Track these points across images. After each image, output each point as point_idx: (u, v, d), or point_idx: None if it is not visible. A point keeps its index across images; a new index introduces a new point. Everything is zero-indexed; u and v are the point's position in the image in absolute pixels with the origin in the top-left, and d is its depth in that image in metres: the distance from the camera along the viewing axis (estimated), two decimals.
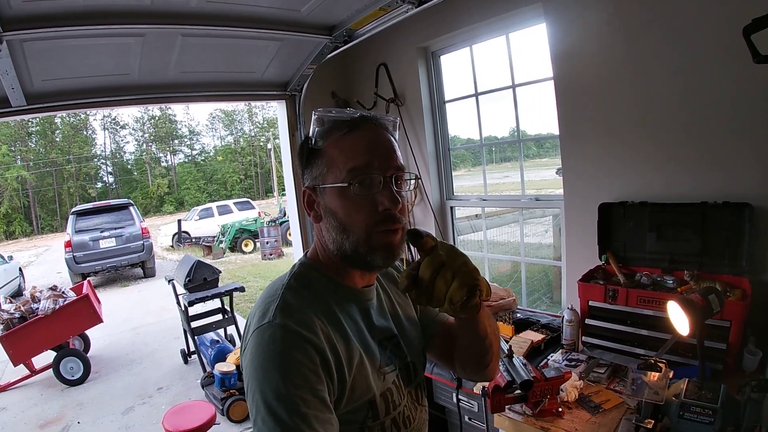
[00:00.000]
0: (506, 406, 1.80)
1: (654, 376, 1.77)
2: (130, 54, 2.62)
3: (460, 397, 2.28)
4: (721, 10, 2.08)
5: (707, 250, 2.22)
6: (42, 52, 2.41)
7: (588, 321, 2.35)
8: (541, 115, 3.23)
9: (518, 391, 1.72)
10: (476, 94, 3.43)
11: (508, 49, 3.09)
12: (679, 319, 1.75)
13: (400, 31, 3.46)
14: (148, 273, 11.88)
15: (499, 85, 3.26)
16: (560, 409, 1.84)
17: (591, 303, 2.33)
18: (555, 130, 2.86)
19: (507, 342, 2.33)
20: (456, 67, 3.58)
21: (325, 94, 4.09)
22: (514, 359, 1.77)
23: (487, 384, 1.77)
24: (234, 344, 5.57)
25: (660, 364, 1.79)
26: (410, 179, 1.03)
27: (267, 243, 13.25)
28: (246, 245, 14.90)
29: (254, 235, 14.72)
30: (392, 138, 1.03)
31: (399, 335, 1.12)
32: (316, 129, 1.00)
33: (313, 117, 1.01)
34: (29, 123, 32.99)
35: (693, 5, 2.17)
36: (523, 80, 3.11)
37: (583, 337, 2.37)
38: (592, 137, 2.65)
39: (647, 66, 2.37)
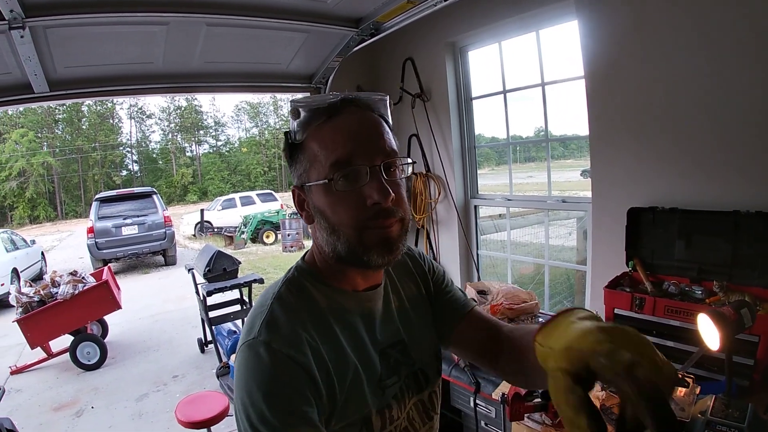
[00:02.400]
0: (525, 415, 1.74)
1: (681, 391, 1.69)
2: (154, 42, 2.61)
3: (477, 401, 2.22)
4: (755, 13, 1.99)
5: (737, 260, 2.12)
6: (65, 39, 2.40)
7: None
8: (568, 115, 3.16)
9: (538, 400, 1.66)
10: (504, 92, 3.35)
11: (538, 46, 3.02)
12: (709, 332, 1.67)
13: (427, 26, 3.40)
14: (169, 261, 12.01)
15: (528, 83, 3.18)
16: None
17: (617, 311, 2.25)
18: (581, 130, 2.78)
19: None
20: (484, 64, 3.51)
21: (351, 87, 4.03)
22: None
23: (506, 391, 1.71)
24: None
25: (687, 379, 1.71)
26: (404, 164, 0.91)
27: (288, 235, 13.31)
28: (267, 237, 14.96)
29: (276, 227, 14.76)
30: (381, 119, 0.91)
31: (406, 339, 1.02)
32: (294, 121, 0.89)
33: (290, 108, 0.90)
34: (56, 110, 33.76)
35: (726, 8, 2.09)
36: (552, 78, 3.03)
37: None
38: (623, 139, 2.57)
39: (681, 68, 2.28)
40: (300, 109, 0.88)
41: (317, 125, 0.87)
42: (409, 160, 0.94)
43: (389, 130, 0.92)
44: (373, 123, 0.89)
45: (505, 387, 2.09)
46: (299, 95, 3.86)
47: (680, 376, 1.72)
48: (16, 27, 2.05)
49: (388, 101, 0.95)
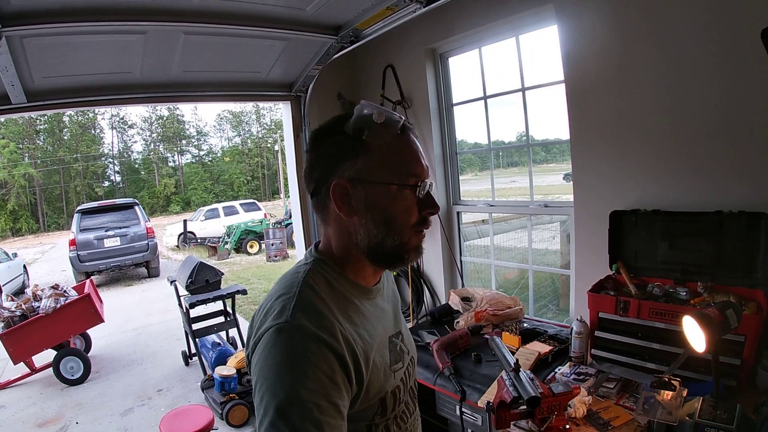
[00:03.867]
0: (511, 422, 1.73)
1: (667, 394, 1.69)
2: (131, 52, 2.58)
3: (463, 410, 2.20)
4: (745, 11, 2.00)
5: (721, 261, 2.13)
6: (42, 48, 2.37)
7: (598, 333, 2.26)
8: (549, 119, 3.18)
9: (524, 407, 1.65)
10: (485, 97, 3.36)
11: (518, 51, 3.03)
12: (694, 334, 1.67)
13: (407, 32, 3.40)
14: (153, 273, 11.85)
15: (508, 88, 3.19)
16: (568, 426, 1.75)
17: (601, 315, 2.24)
18: (563, 134, 2.79)
19: (513, 353, 2.26)
20: (464, 70, 3.52)
21: (331, 95, 4.03)
22: (520, 374, 1.69)
23: (492, 399, 1.69)
24: (235, 347, 5.50)
25: (674, 383, 1.71)
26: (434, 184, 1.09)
27: (272, 245, 13.23)
28: (251, 246, 14.88)
29: (260, 237, 14.69)
30: None
31: (401, 330, 1.15)
32: (372, 122, 0.95)
33: (363, 109, 0.96)
34: (37, 121, 33.40)
35: (704, 13, 2.12)
36: (532, 83, 3.04)
37: (593, 350, 2.28)
38: (604, 143, 2.58)
39: (662, 69, 2.29)
40: (383, 114, 0.95)
41: (393, 135, 0.97)
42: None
43: None
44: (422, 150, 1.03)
45: (490, 395, 2.08)
46: (280, 103, 3.85)
47: (667, 379, 1.71)
48: None
49: None
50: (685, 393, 1.71)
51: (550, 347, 2.40)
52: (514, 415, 1.66)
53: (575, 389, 1.73)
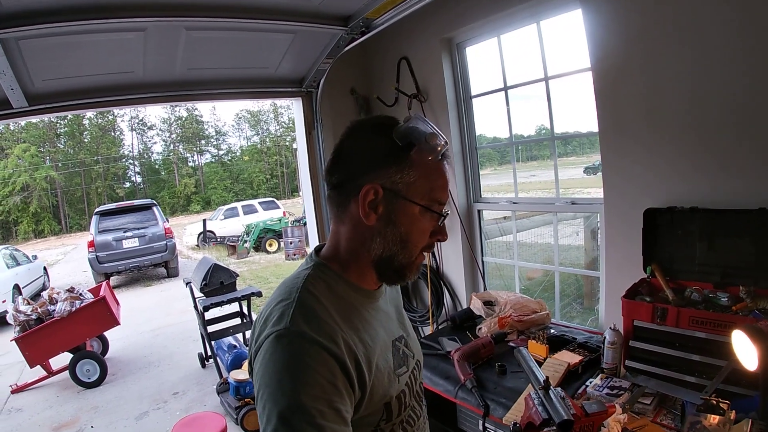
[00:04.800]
0: None
1: (715, 419, 1.52)
2: (132, 50, 2.49)
3: (486, 425, 2.05)
4: None
5: (765, 262, 1.95)
6: (40, 50, 2.31)
7: (632, 343, 2.09)
8: (571, 110, 2.99)
9: (554, 428, 1.49)
10: (505, 88, 3.18)
11: (539, 38, 2.84)
12: (745, 350, 1.50)
13: (421, 22, 3.24)
14: (172, 273, 11.87)
15: (530, 78, 3.01)
16: None
17: (636, 323, 2.07)
18: (584, 126, 2.61)
19: (540, 364, 2.10)
20: (483, 60, 3.34)
21: (344, 90, 3.90)
22: (550, 392, 1.53)
23: (517, 418, 1.54)
24: None
25: (722, 406, 1.54)
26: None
27: (291, 243, 13.15)
28: (270, 245, 14.83)
29: (278, 235, 14.62)
30: None
31: (404, 334, 1.13)
32: (426, 137, 0.95)
33: (418, 124, 0.97)
34: (57, 124, 34.06)
35: None
36: (555, 73, 2.86)
37: (626, 361, 2.11)
38: (636, 135, 2.39)
39: (701, 57, 2.10)
40: (436, 134, 0.97)
41: (435, 157, 0.96)
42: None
43: None
44: None
45: (516, 411, 1.92)
46: (288, 101, 3.72)
47: (714, 402, 1.54)
48: None
49: None
50: (733, 416, 1.53)
51: (581, 357, 2.23)
52: None
53: (610, 408, 1.57)
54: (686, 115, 2.19)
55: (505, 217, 3.75)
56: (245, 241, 14.73)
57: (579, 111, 2.86)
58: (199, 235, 16.94)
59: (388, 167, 0.94)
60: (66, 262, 18.00)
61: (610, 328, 2.12)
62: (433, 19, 3.23)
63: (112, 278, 10.29)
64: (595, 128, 2.56)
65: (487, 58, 3.28)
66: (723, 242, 2.08)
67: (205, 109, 41.63)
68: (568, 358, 2.23)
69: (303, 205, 16.38)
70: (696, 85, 2.14)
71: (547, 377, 1.63)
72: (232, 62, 2.91)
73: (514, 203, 3.31)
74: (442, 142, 0.97)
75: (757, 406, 1.57)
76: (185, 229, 18.48)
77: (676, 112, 2.23)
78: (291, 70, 3.22)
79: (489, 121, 3.55)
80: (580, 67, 2.63)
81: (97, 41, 2.36)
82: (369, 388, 0.91)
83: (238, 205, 18.84)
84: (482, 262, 3.58)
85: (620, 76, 2.40)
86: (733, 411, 1.55)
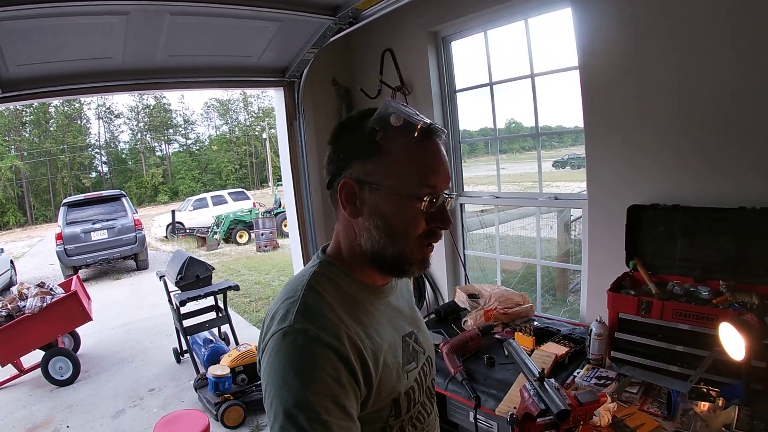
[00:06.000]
0: None
1: (705, 405, 1.58)
2: (113, 35, 2.39)
3: (478, 416, 2.07)
4: None
5: (743, 258, 2.04)
6: (15, 34, 2.20)
7: (618, 335, 2.15)
8: (548, 106, 3.02)
9: (550, 418, 1.52)
10: (491, 84, 3.19)
11: (527, 35, 2.86)
12: (732, 341, 1.56)
13: (407, 14, 3.22)
14: (141, 265, 11.58)
15: (514, 75, 3.03)
16: None
17: (622, 315, 2.13)
18: (560, 123, 2.64)
19: (528, 356, 2.12)
20: (467, 54, 3.34)
21: (326, 81, 3.85)
22: (545, 383, 1.56)
23: (512, 408, 1.56)
24: (228, 343, 5.37)
25: (712, 393, 1.60)
26: (452, 199, 1.00)
27: (262, 234, 12.98)
28: (241, 236, 14.61)
29: (249, 226, 14.43)
30: None
31: (415, 330, 1.11)
32: (390, 123, 0.90)
33: (387, 108, 0.92)
34: (23, 112, 32.72)
35: None
36: (541, 70, 2.88)
37: (612, 352, 2.17)
38: (619, 134, 2.45)
39: (680, 58, 2.17)
40: (402, 117, 0.91)
41: (412, 140, 0.91)
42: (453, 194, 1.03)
43: None
44: (446, 158, 0.96)
45: (507, 402, 1.95)
46: (270, 90, 3.66)
47: (705, 390, 1.60)
48: None
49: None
50: (721, 403, 1.59)
51: (567, 349, 2.28)
52: (538, 426, 1.53)
53: (602, 397, 1.61)
54: (672, 115, 2.25)
55: (482, 211, 3.78)
56: (215, 233, 14.43)
57: (557, 108, 2.91)
58: (168, 226, 16.54)
59: (360, 159, 0.93)
60: (32, 255, 17.34)
61: (597, 320, 2.17)
62: (419, 13, 3.21)
63: (80, 271, 9.95)
64: (572, 124, 2.59)
65: (471, 53, 3.29)
66: (703, 239, 2.16)
67: (173, 97, 40.59)
68: (554, 349, 2.28)
69: (279, 194, 16.14)
70: (677, 88, 2.21)
71: (543, 369, 1.65)
72: (215, 50, 2.83)
73: (497, 197, 3.34)
74: (414, 121, 0.91)
75: (741, 393, 1.65)
76: (153, 221, 18.00)
77: (663, 111, 2.28)
78: (274, 59, 3.16)
79: (470, 114, 3.57)
80: (566, 65, 2.67)
81: (78, 25, 2.26)
82: (376, 384, 0.90)
83: (208, 195, 18.46)
84: (464, 255, 3.60)
85: (608, 74, 2.43)
86: (722, 398, 1.61)
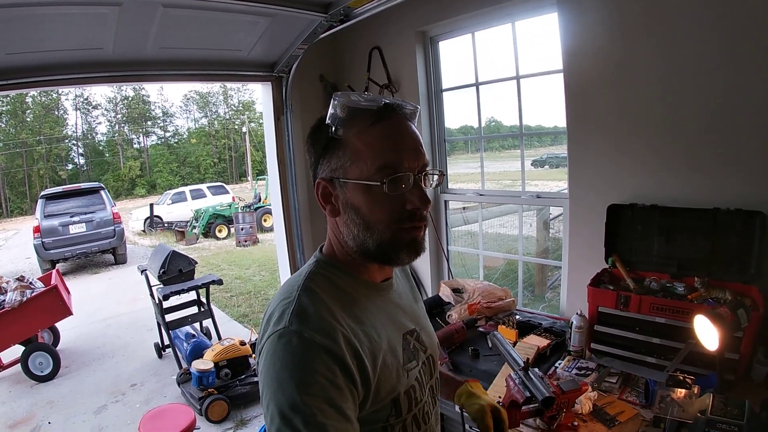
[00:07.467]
0: (520, 421, 1.67)
1: (681, 392, 1.67)
2: (104, 26, 2.38)
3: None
4: (746, 6, 1.98)
5: (717, 257, 2.14)
6: (4, 22, 2.16)
7: (597, 327, 2.24)
8: (532, 107, 3.09)
9: (535, 405, 1.59)
10: (477, 84, 3.25)
11: (513, 38, 2.92)
12: (706, 332, 1.66)
13: (396, 14, 3.24)
14: (120, 259, 11.43)
15: (500, 76, 3.10)
16: (576, 423, 1.73)
17: (601, 309, 2.22)
18: (540, 122, 2.71)
19: (513, 345, 2.20)
20: (454, 54, 3.40)
21: (313, 77, 3.88)
22: (530, 372, 1.63)
23: (501, 398, 1.63)
24: (210, 338, 5.36)
25: (688, 381, 1.70)
26: (435, 174, 0.98)
27: (242, 229, 12.89)
28: (220, 231, 14.47)
29: (228, 221, 14.31)
30: (416, 129, 0.97)
31: (417, 327, 1.09)
32: (338, 116, 0.90)
33: (333, 101, 0.90)
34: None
35: (716, 4, 2.06)
36: (527, 72, 2.95)
37: (592, 344, 2.26)
38: (602, 136, 2.52)
39: (662, 64, 2.25)
40: (347, 106, 0.90)
41: (365, 126, 0.90)
42: (438, 171, 1.01)
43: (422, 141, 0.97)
44: (415, 133, 0.95)
45: (493, 392, 2.01)
46: (258, 84, 3.67)
47: (681, 378, 1.69)
48: None
49: (418, 111, 1.00)
50: (696, 390, 1.69)
51: (548, 341, 2.36)
52: (524, 414, 1.60)
53: (583, 386, 1.69)
54: (653, 118, 2.33)
55: (464, 208, 3.84)
56: (194, 227, 14.24)
57: (539, 108, 2.98)
58: (146, 220, 16.32)
59: (324, 158, 0.94)
60: (7, 248, 16.93)
61: (577, 313, 2.25)
62: (408, 12, 3.25)
63: (57, 265, 9.81)
64: (552, 125, 2.66)
65: (458, 53, 3.35)
66: (679, 237, 2.25)
67: (152, 88, 39.88)
68: (536, 341, 2.36)
69: (255, 190, 15.90)
70: (658, 93, 2.30)
71: (527, 358, 1.72)
72: (205, 43, 2.83)
73: (481, 195, 3.41)
74: (361, 106, 0.90)
75: (715, 383, 1.75)
76: (131, 214, 17.68)
77: (644, 114, 2.36)
78: (264, 54, 3.18)
79: (454, 112, 3.63)
80: (551, 68, 2.73)
81: (68, 14, 2.24)
82: (374, 384, 0.90)
83: (186, 189, 18.22)
84: (448, 251, 3.67)
85: (592, 77, 2.50)
86: (697, 386, 1.70)
